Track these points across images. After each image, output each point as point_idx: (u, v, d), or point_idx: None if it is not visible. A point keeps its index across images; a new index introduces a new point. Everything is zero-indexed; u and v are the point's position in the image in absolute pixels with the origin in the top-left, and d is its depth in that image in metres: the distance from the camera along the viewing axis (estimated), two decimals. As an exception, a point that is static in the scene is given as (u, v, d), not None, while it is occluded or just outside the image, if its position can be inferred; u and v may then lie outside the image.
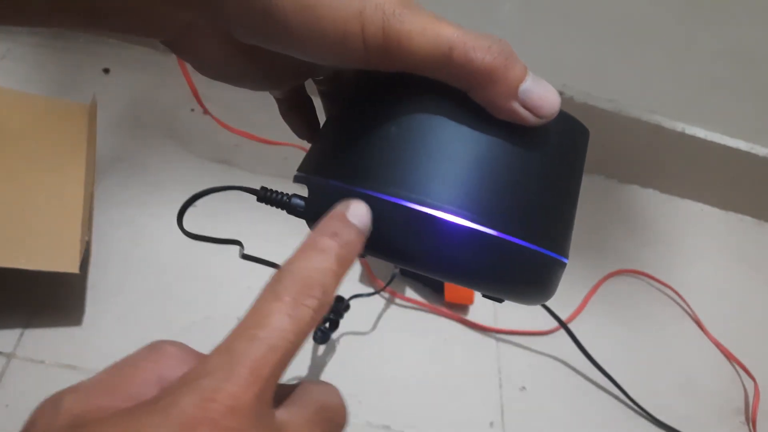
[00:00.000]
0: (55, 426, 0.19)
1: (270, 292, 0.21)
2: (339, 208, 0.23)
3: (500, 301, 0.27)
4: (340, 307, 0.61)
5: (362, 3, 0.22)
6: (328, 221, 0.23)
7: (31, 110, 0.65)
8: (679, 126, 0.89)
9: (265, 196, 0.28)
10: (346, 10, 0.22)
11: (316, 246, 0.22)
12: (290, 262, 0.21)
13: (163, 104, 0.79)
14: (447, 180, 0.23)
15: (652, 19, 0.79)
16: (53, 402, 0.19)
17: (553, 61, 0.84)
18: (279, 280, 0.21)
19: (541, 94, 0.23)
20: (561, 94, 0.86)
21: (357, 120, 0.26)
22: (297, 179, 0.28)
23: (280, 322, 0.20)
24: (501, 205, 0.24)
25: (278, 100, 0.34)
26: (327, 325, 0.60)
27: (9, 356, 0.53)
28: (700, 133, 0.90)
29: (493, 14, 0.79)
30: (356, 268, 0.69)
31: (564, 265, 0.27)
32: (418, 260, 0.24)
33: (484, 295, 0.27)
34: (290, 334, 0.20)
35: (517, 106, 0.23)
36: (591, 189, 0.93)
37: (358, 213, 0.23)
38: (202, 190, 0.29)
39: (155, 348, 0.22)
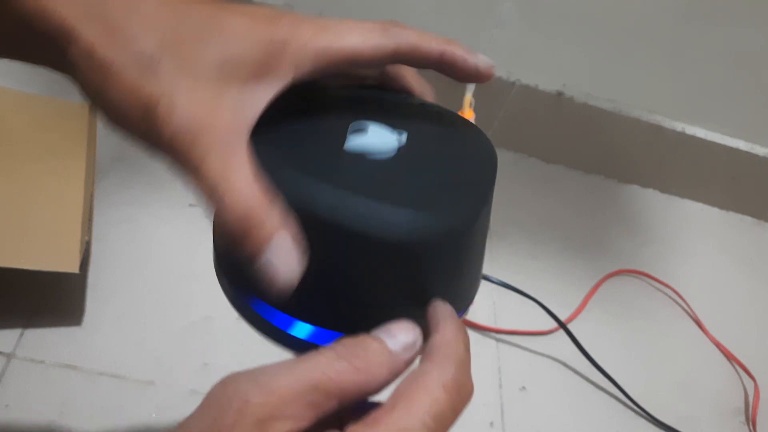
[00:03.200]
0: (241, 428, 0.20)
1: (439, 379, 0.22)
2: (450, 307, 0.26)
3: None
4: None
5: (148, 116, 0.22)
6: (458, 319, 0.25)
7: (31, 110, 0.65)
8: (679, 126, 0.89)
9: None
10: (132, 118, 0.22)
11: (464, 339, 0.24)
12: (450, 349, 0.23)
13: (163, 104, 0.79)
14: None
15: (652, 19, 0.79)
16: (241, 397, 0.20)
17: (553, 61, 0.84)
18: (448, 368, 0.23)
19: (271, 272, 0.23)
20: (560, 94, 0.86)
21: None
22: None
23: (446, 416, 0.22)
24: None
25: None
26: None
27: (9, 356, 0.53)
28: (700, 133, 0.90)
29: (493, 14, 0.80)
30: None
31: None
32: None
33: None
34: (447, 428, 0.22)
35: (258, 269, 0.23)
36: (591, 189, 0.93)
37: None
38: None
39: None
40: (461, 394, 0.22)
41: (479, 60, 0.28)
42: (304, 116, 0.27)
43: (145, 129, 0.22)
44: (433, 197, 0.24)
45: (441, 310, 0.25)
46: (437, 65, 0.28)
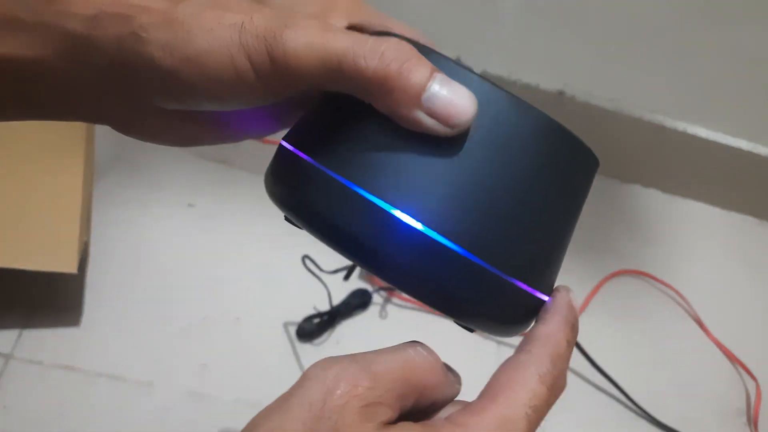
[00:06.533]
0: (351, 410, 0.20)
1: (536, 372, 0.23)
2: (568, 299, 0.25)
3: (471, 330, 0.27)
4: (349, 306, 0.62)
5: (237, 35, 0.21)
6: (569, 313, 0.25)
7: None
8: (681, 126, 0.89)
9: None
10: (226, 48, 0.21)
11: (568, 334, 0.24)
12: (549, 343, 0.24)
13: (163, 104, 0.79)
14: (431, 194, 0.21)
15: (653, 18, 0.79)
16: (350, 380, 0.20)
17: (554, 61, 0.84)
18: (545, 361, 0.23)
19: (448, 100, 0.20)
20: (562, 93, 0.86)
21: (350, 115, 0.23)
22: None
23: (542, 408, 0.22)
24: (486, 231, 0.22)
25: None
26: (317, 321, 0.60)
27: (7, 357, 0.53)
28: (702, 132, 0.90)
29: (493, 14, 0.79)
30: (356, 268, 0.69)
31: (543, 302, 0.26)
32: (381, 266, 0.22)
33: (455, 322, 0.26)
34: (541, 420, 0.22)
35: (421, 115, 0.20)
36: (592, 189, 0.93)
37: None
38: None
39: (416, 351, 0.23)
40: (555, 389, 0.23)
41: None
42: None
43: (330, 78, 0.21)
44: None
45: (556, 300, 0.25)
46: None
